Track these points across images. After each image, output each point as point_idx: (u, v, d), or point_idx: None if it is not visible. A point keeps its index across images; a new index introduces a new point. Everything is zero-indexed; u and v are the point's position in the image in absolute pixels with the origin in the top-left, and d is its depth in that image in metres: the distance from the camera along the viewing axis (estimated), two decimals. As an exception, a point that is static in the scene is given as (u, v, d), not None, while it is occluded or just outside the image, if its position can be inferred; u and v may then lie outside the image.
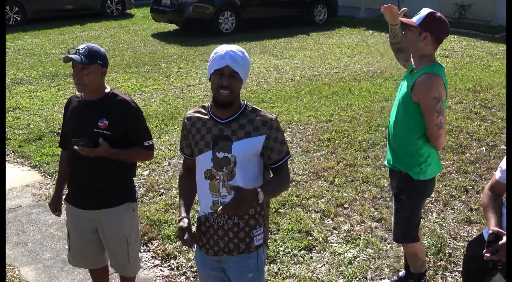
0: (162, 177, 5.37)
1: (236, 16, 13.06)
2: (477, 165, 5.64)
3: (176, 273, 3.92)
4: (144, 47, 11.72)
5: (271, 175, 2.58)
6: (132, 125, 2.95)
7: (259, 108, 2.50)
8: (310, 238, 4.27)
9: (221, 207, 2.32)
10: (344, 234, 4.34)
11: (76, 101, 3.03)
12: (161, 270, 3.96)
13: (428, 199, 4.11)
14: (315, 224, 4.47)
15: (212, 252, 2.55)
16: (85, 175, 2.98)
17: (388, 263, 3.96)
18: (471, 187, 5.15)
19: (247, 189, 2.34)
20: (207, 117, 2.49)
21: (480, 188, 5.09)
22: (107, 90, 2.98)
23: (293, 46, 11.76)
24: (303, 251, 4.10)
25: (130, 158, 3.03)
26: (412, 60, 3.20)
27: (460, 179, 5.31)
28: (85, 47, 2.84)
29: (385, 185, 5.11)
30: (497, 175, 2.72)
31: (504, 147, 6.04)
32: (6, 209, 4.77)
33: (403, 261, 3.78)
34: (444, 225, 4.48)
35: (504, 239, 2.37)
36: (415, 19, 3.03)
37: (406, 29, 3.09)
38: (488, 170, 5.48)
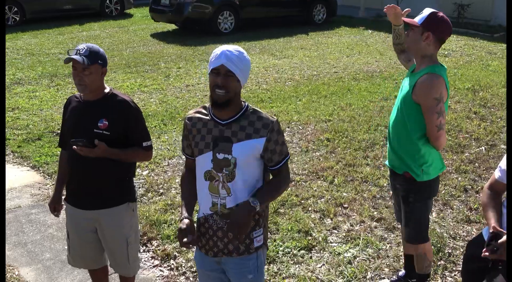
0: (162, 177, 5.37)
1: (235, 16, 13.05)
2: (476, 164, 5.64)
3: (176, 273, 3.91)
4: (143, 47, 11.71)
5: (271, 176, 2.58)
6: (132, 125, 2.95)
7: (260, 110, 2.49)
8: (310, 237, 4.27)
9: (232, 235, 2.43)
10: (344, 234, 4.35)
11: (76, 101, 3.02)
12: (160, 270, 3.96)
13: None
14: (314, 224, 4.47)
15: (212, 253, 2.55)
16: (85, 175, 2.98)
17: (387, 263, 3.96)
18: (470, 187, 5.15)
19: (236, 209, 2.38)
20: (207, 118, 2.48)
21: (479, 187, 5.09)
22: (107, 90, 2.97)
23: (292, 46, 11.75)
24: (302, 251, 4.10)
25: (129, 158, 3.02)
26: (414, 60, 3.20)
27: (460, 178, 5.31)
28: (85, 48, 2.83)
29: (385, 184, 5.11)
30: (497, 174, 2.73)
31: (503, 146, 6.05)
32: (5, 209, 4.76)
33: (403, 261, 3.79)
34: (443, 224, 4.48)
35: (504, 237, 2.37)
36: (417, 19, 3.02)
37: (408, 29, 3.09)
38: (488, 169, 5.48)
